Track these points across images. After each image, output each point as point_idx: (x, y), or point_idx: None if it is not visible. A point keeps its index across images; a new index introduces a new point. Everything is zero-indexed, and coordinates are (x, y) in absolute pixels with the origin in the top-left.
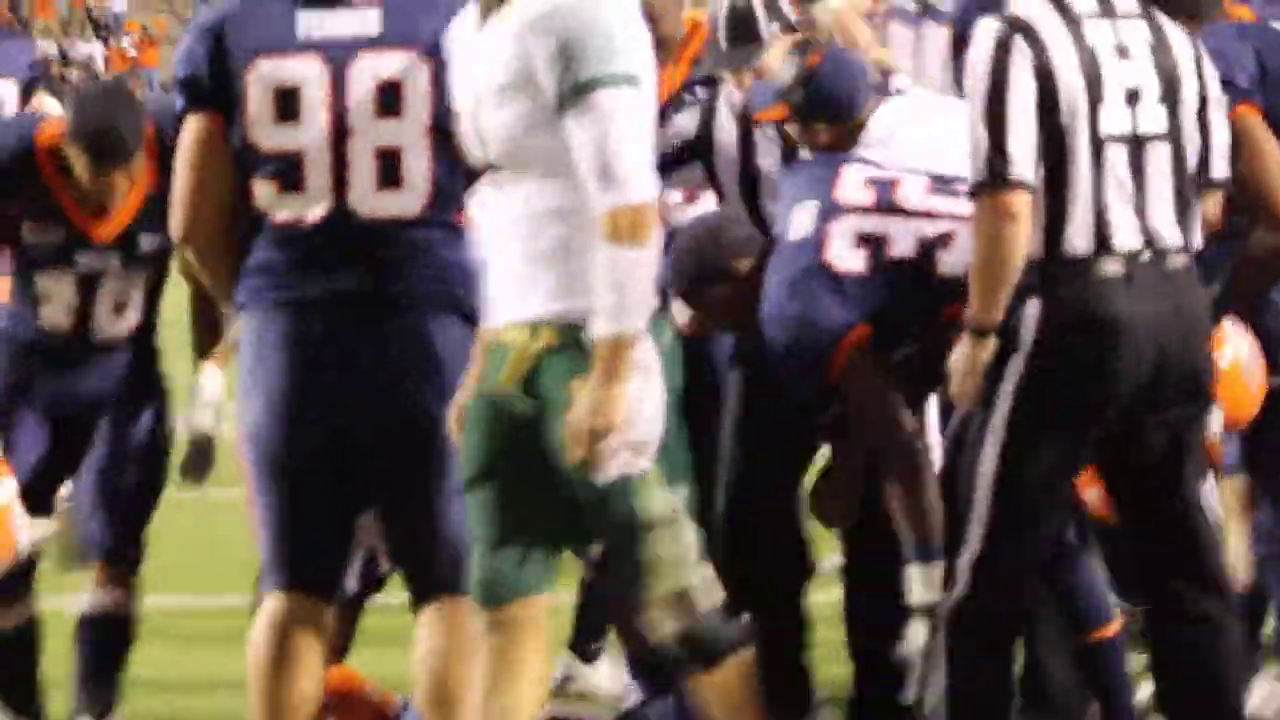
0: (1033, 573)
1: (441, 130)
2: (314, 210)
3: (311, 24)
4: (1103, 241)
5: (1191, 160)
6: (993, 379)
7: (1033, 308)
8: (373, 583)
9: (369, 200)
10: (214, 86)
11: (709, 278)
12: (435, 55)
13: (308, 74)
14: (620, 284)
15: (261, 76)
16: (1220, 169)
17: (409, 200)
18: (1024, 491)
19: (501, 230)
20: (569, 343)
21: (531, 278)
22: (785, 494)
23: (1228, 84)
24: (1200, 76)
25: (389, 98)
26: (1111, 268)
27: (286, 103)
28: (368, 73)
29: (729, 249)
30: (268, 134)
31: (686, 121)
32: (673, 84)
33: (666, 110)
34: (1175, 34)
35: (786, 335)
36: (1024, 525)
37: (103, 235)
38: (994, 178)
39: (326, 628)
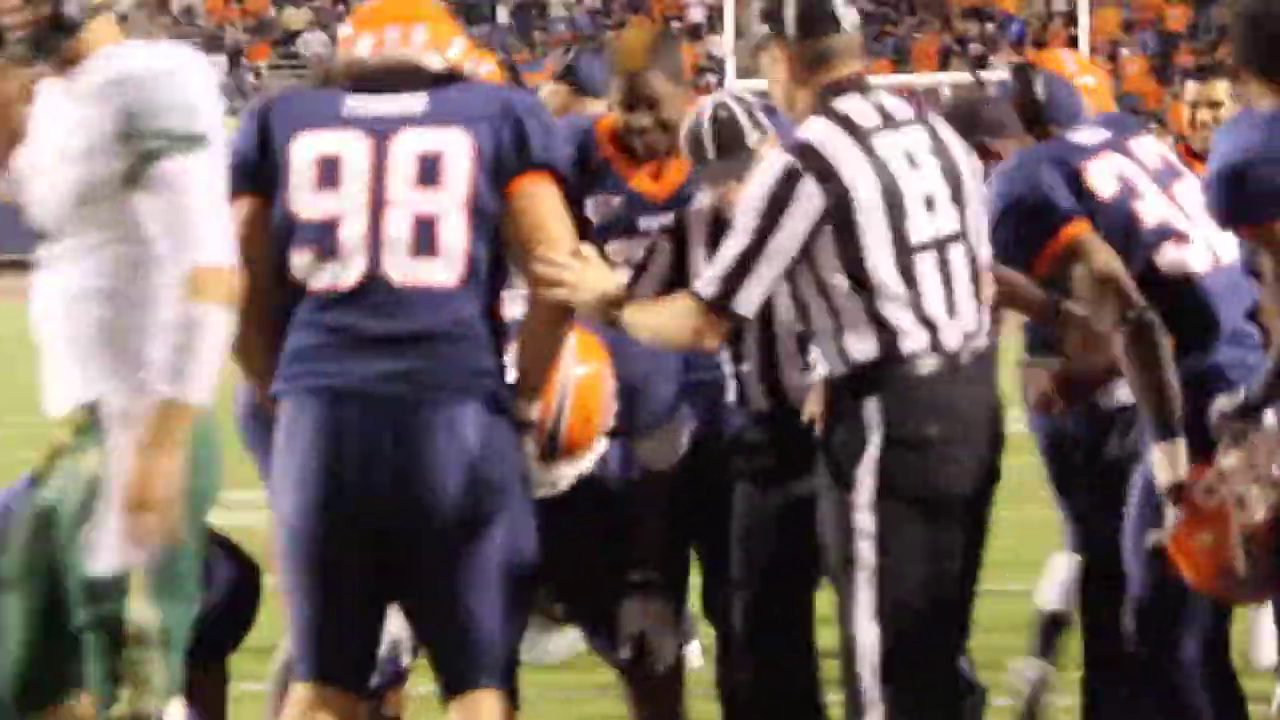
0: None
1: (481, 210)
2: (349, 275)
3: (356, 105)
4: (930, 342)
5: (981, 251)
6: (846, 480)
7: (873, 406)
8: (395, 677)
9: (403, 266)
10: (258, 168)
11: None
12: (478, 135)
13: (350, 144)
14: (187, 347)
15: (303, 148)
16: (988, 256)
17: (444, 270)
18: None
19: (48, 311)
20: (93, 428)
21: (75, 362)
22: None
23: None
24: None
25: (429, 168)
26: (941, 364)
27: (327, 171)
28: (409, 145)
29: (986, 127)
30: (307, 202)
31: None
32: (681, 173)
33: (680, 198)
34: (947, 133)
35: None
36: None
37: None
38: (716, 301)
39: (356, 718)
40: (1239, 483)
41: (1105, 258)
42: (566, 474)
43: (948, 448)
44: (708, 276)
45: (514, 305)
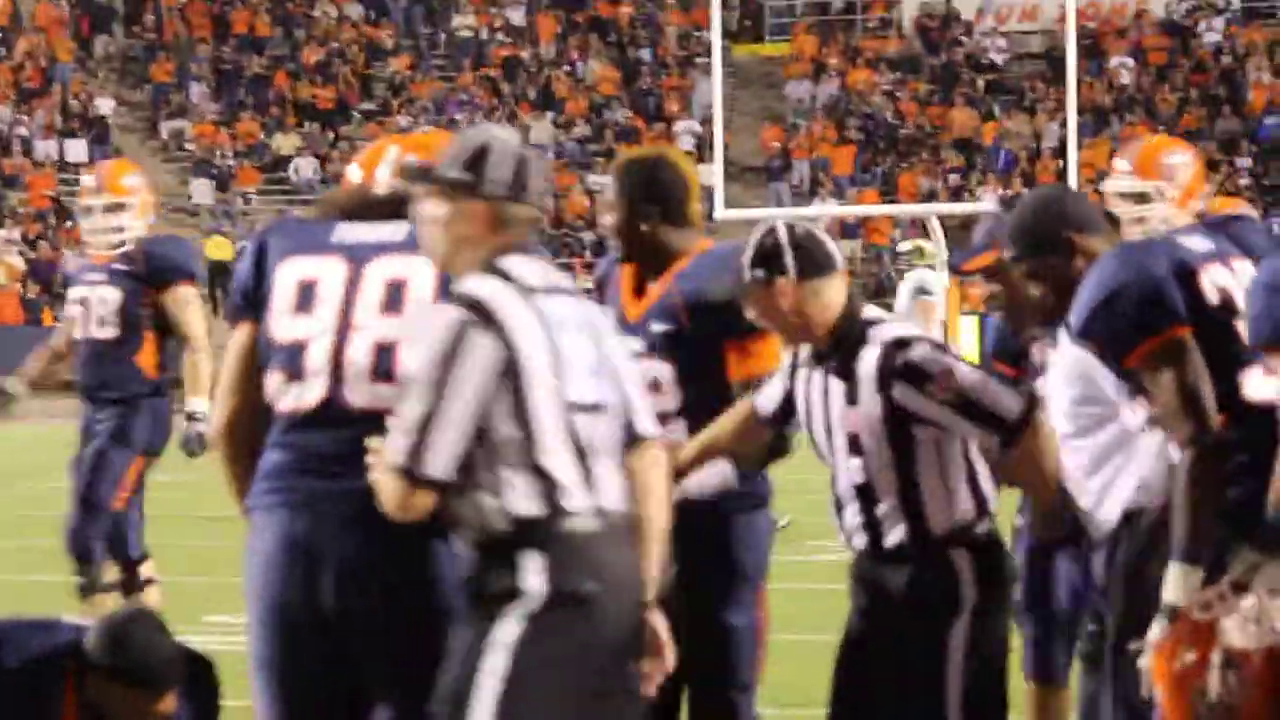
0: None
1: None
2: (311, 397)
3: (344, 233)
4: (586, 501)
5: (640, 421)
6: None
7: (533, 559)
8: None
9: (363, 390)
10: (254, 295)
11: (1051, 244)
12: None
13: (329, 270)
14: None
15: (288, 273)
16: (645, 426)
17: (401, 395)
18: None
19: None
20: None
21: None
22: None
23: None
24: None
25: (394, 294)
26: (599, 523)
27: (305, 295)
28: (381, 271)
29: (1073, 221)
30: (284, 325)
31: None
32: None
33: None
34: (593, 308)
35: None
36: None
37: None
38: (409, 469)
39: None
40: (1238, 607)
41: (1197, 370)
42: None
43: (603, 604)
44: (395, 445)
45: None
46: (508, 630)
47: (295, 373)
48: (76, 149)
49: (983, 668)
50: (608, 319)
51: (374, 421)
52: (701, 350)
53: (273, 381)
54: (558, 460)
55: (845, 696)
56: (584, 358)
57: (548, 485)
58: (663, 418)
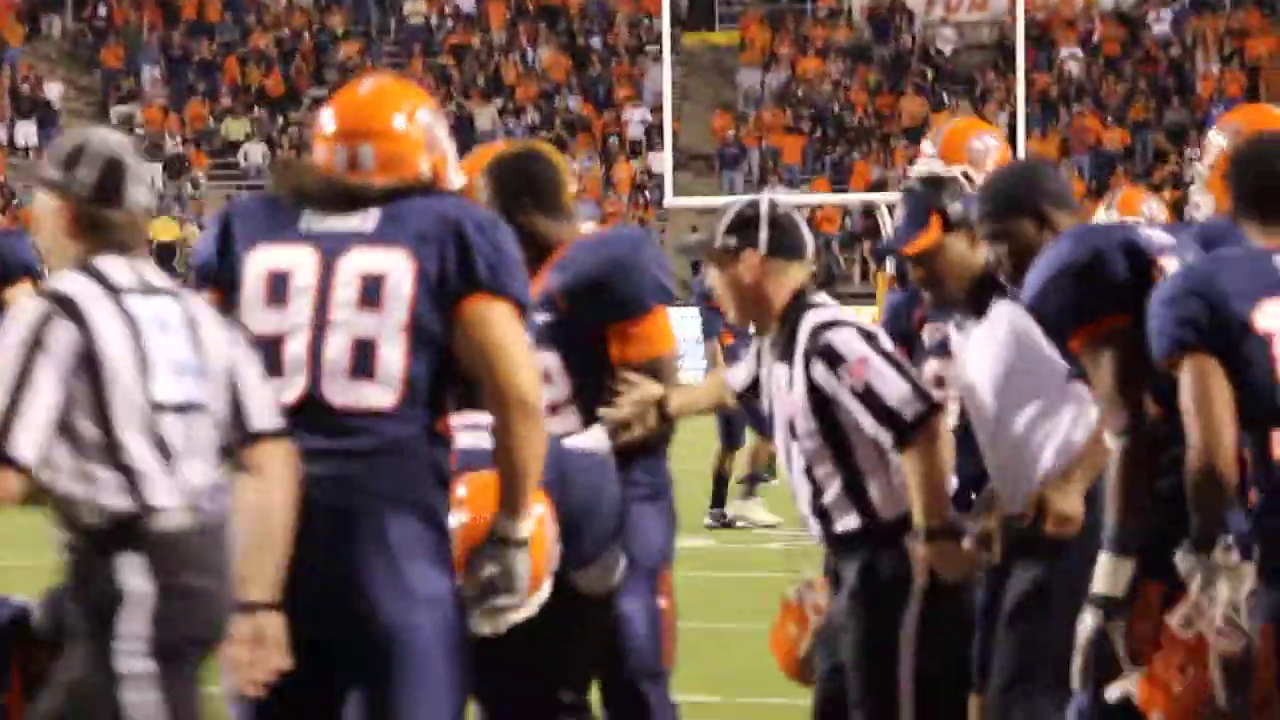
0: None
1: (422, 332)
2: (290, 393)
3: (314, 220)
4: (176, 498)
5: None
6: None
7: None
8: None
9: (342, 388)
10: (217, 268)
11: (1024, 209)
12: (421, 256)
13: (300, 262)
14: None
15: (258, 261)
16: (261, 422)
17: (381, 393)
18: None
19: None
20: None
21: None
22: None
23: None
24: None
25: (371, 290)
26: (191, 520)
27: (277, 287)
28: (354, 264)
29: (1049, 194)
30: (257, 318)
31: None
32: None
33: None
34: (203, 310)
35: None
36: None
37: None
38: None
39: None
40: (1214, 613)
41: (1136, 359)
42: (511, 620)
43: (208, 598)
44: None
45: (463, 435)
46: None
47: (273, 368)
48: (26, 132)
49: (937, 653)
50: (215, 319)
51: (354, 418)
52: (583, 337)
53: None
54: (141, 457)
55: (827, 680)
56: (175, 357)
57: (133, 482)
58: (554, 407)
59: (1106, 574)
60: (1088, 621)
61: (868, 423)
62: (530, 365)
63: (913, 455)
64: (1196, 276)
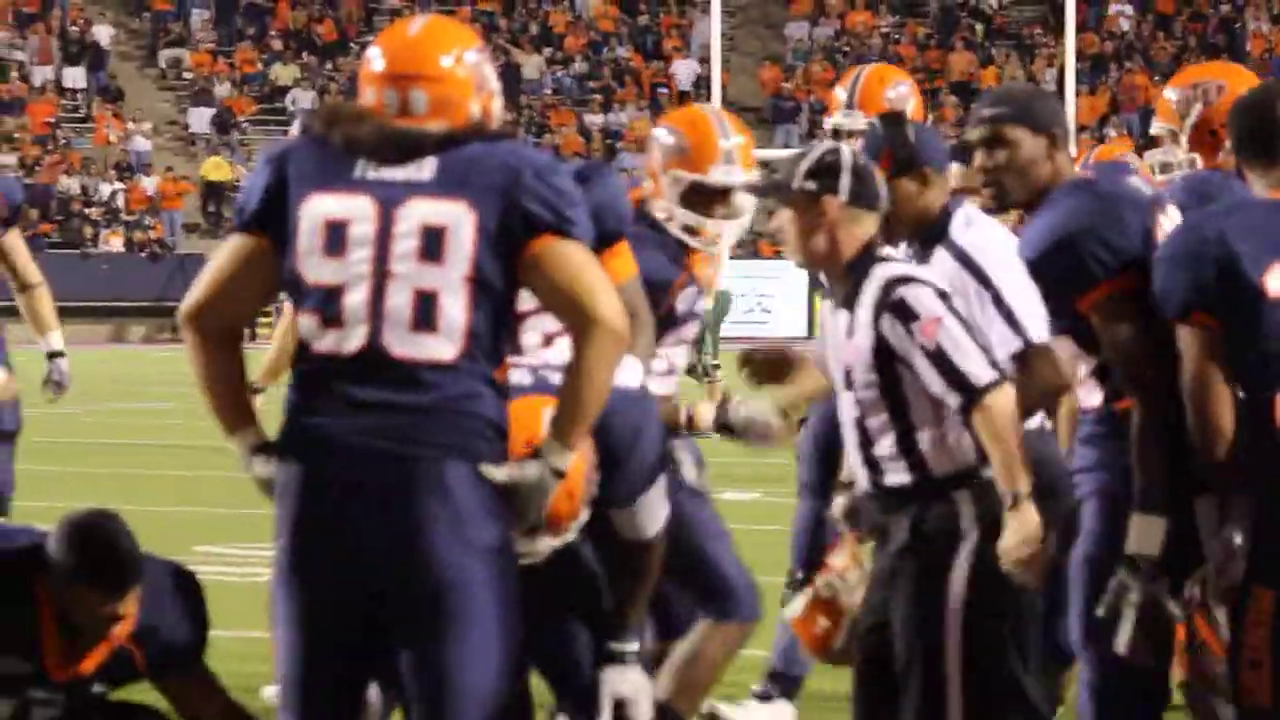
0: None
1: (484, 283)
2: (349, 345)
3: (368, 168)
4: None
5: None
6: None
7: None
8: None
9: (402, 340)
10: (265, 211)
11: (1040, 125)
12: (483, 206)
13: (357, 211)
14: None
15: (313, 210)
16: None
17: (443, 344)
18: None
19: None
20: None
21: None
22: None
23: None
24: None
25: (432, 241)
26: None
27: (334, 237)
28: (415, 215)
29: (1064, 125)
30: (314, 266)
31: None
32: None
33: None
34: None
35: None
36: None
37: (62, 677)
38: None
39: None
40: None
41: (1149, 320)
42: (547, 546)
43: None
44: None
45: (517, 372)
46: None
47: (332, 318)
48: (74, 75)
49: (985, 611)
50: None
51: (415, 370)
52: None
53: (306, 322)
54: None
55: (868, 637)
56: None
57: None
58: (549, 339)
59: (1140, 534)
60: (1128, 583)
61: (936, 384)
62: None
63: (982, 421)
64: (1205, 235)
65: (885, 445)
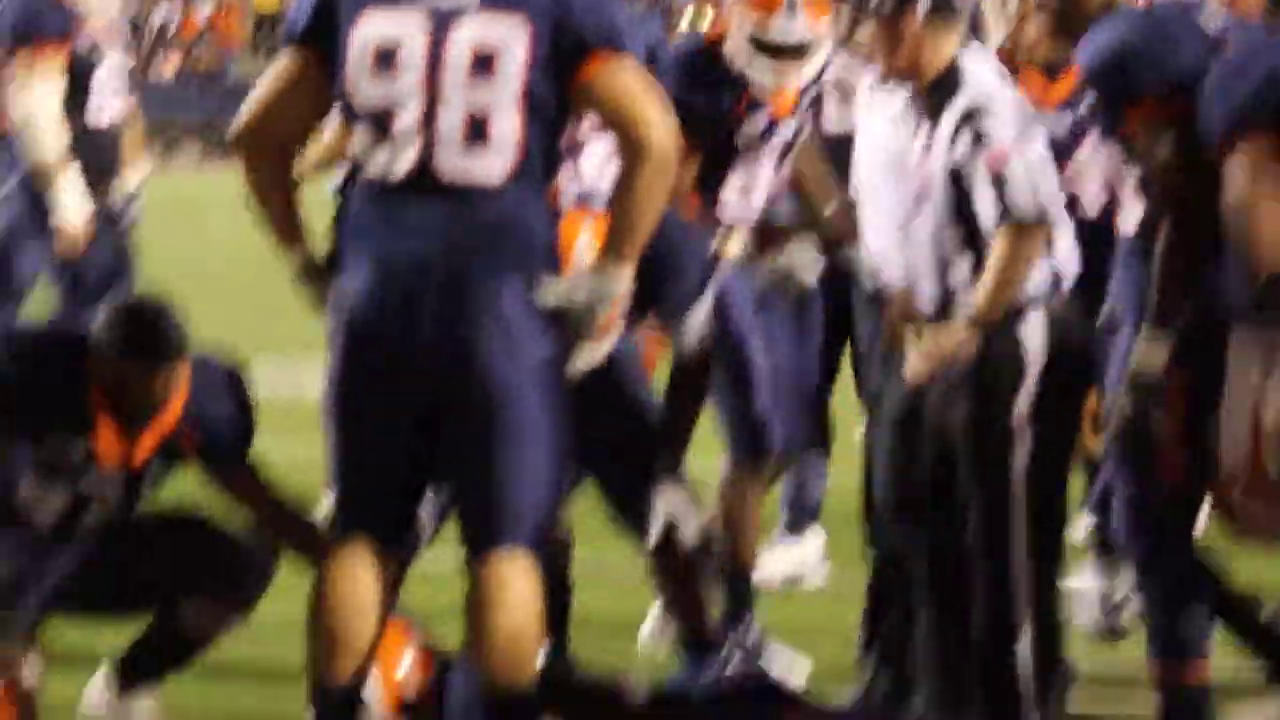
0: None
1: (535, 102)
2: (401, 165)
3: None
4: None
5: None
6: None
7: None
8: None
9: (454, 160)
10: (316, 27)
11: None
12: (535, 24)
13: (409, 31)
14: None
15: (365, 30)
16: None
17: (494, 164)
18: None
19: None
20: None
21: None
22: None
23: None
24: None
25: (484, 61)
26: None
27: (385, 58)
28: (467, 35)
29: None
30: (364, 87)
31: None
32: None
33: None
34: None
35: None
36: None
37: (115, 465)
38: None
39: (389, 579)
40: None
41: (1194, 137)
42: (589, 355)
43: None
44: None
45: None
46: None
47: (383, 138)
48: None
49: (1049, 440)
50: None
51: (467, 190)
52: None
53: (358, 142)
54: None
55: (899, 476)
56: None
57: None
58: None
59: (1142, 350)
60: (1124, 400)
61: (988, 204)
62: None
63: (1005, 244)
64: (1262, 53)
65: (956, 270)
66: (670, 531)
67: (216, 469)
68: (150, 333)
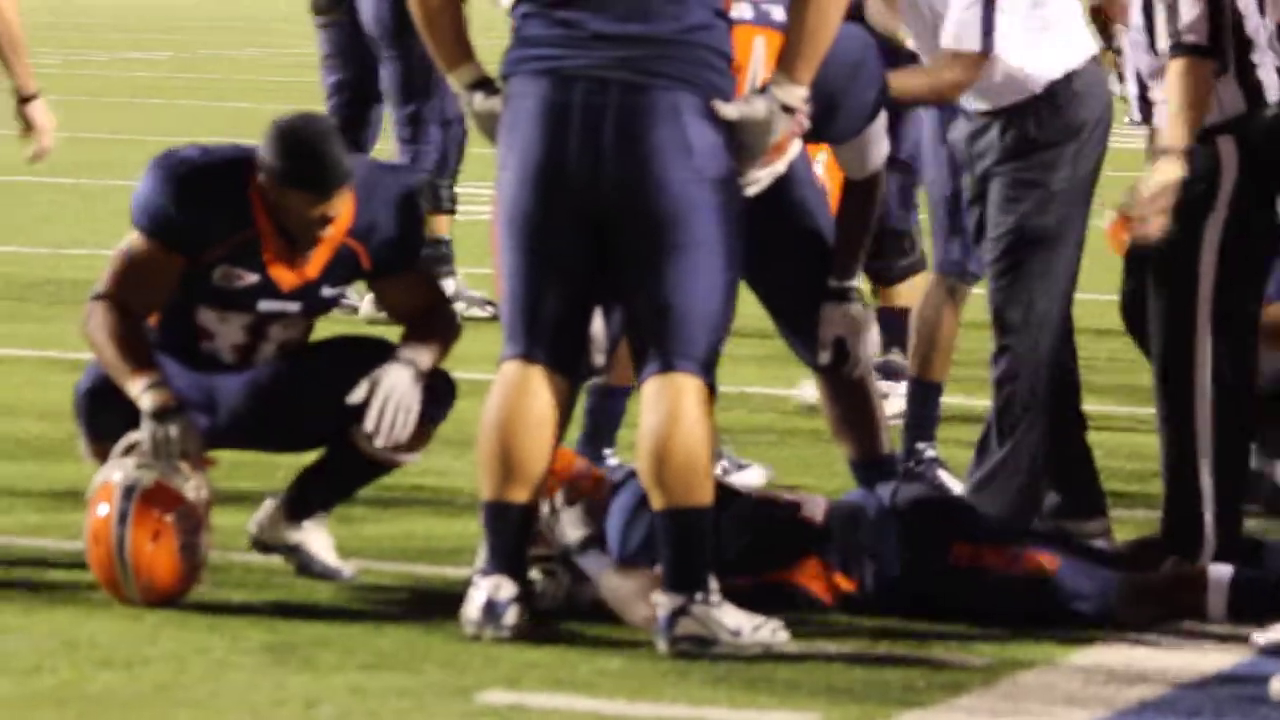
0: None
1: None
2: None
3: None
4: None
5: None
6: None
7: None
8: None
9: None
10: None
11: None
12: None
13: None
14: None
15: None
16: None
17: None
18: None
19: None
20: None
21: None
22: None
23: None
24: None
25: None
26: None
27: None
28: None
29: None
30: None
31: None
32: None
33: None
34: None
35: None
36: None
37: (291, 283)
38: None
39: (560, 400)
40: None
41: None
42: (769, 176)
43: None
44: None
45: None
46: None
47: None
48: None
49: (1240, 263)
50: None
51: (647, 3)
52: None
53: None
54: None
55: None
56: None
57: None
58: None
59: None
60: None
61: (1164, 35)
62: None
63: (1173, 73)
64: None
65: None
66: (840, 349)
67: (389, 279)
68: (313, 162)
